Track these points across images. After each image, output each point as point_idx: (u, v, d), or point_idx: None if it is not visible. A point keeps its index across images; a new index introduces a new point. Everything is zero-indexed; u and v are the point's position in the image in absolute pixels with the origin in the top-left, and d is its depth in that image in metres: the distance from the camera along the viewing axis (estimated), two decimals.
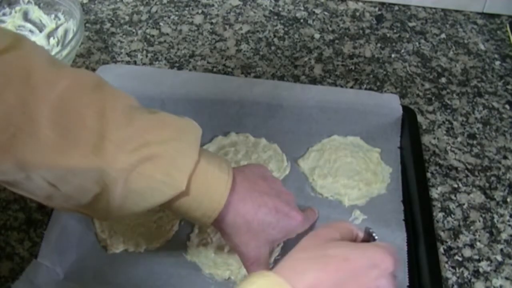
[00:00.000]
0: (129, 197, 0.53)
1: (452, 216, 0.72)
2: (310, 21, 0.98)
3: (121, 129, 0.52)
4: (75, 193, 0.52)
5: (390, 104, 0.79)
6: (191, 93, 0.79)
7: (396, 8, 1.01)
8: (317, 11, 1.00)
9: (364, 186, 0.73)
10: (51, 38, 0.88)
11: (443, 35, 0.96)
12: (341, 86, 0.87)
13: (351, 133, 0.78)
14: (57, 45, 0.87)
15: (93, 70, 0.86)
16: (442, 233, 0.71)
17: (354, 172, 0.74)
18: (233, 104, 0.79)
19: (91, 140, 0.51)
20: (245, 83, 0.82)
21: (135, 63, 0.89)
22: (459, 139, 0.81)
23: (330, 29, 0.97)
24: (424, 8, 1.01)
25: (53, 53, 0.82)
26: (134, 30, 0.95)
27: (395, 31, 0.97)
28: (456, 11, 1.00)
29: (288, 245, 0.65)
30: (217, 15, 0.98)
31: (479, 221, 0.72)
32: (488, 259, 0.68)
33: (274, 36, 0.95)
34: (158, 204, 0.55)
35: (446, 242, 0.70)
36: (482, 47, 0.94)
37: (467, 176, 0.77)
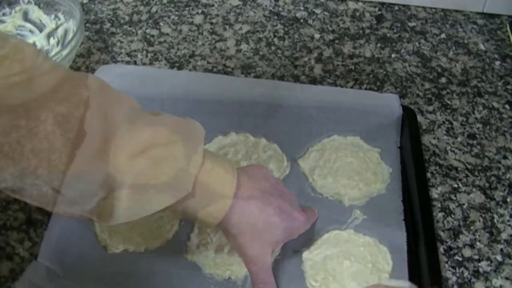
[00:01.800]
0: (135, 201, 0.53)
1: (452, 216, 0.72)
2: (310, 21, 0.98)
3: (125, 132, 0.52)
4: (79, 198, 0.52)
5: (390, 104, 0.79)
6: (191, 93, 0.79)
7: (396, 8, 1.01)
8: (317, 11, 1.00)
9: (364, 186, 0.73)
10: (51, 38, 0.88)
11: (443, 35, 0.96)
12: (341, 86, 0.87)
13: (351, 133, 0.78)
14: (57, 45, 0.87)
15: (93, 70, 0.86)
16: (442, 233, 0.71)
17: (354, 172, 0.74)
18: (233, 104, 0.79)
19: (95, 144, 0.50)
20: (245, 83, 0.82)
21: (135, 63, 0.89)
22: (459, 139, 0.81)
23: (330, 29, 0.97)
24: (424, 8, 1.00)
25: (53, 53, 0.82)
26: (134, 30, 0.95)
27: (395, 31, 0.97)
28: (456, 11, 1.00)
29: (288, 245, 0.65)
30: (217, 15, 0.98)
31: (479, 221, 0.72)
32: (488, 259, 0.68)
33: (274, 36, 0.95)
34: (164, 207, 0.55)
35: (446, 242, 0.70)
36: (482, 47, 0.94)
37: (467, 176, 0.77)
